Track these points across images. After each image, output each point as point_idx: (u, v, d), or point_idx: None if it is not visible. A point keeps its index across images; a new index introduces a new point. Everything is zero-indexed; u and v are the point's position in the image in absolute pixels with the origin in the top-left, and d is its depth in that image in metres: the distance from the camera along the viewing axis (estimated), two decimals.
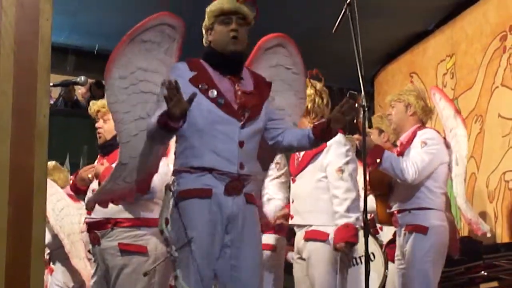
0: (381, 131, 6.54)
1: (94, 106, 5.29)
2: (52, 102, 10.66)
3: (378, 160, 5.24)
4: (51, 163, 6.83)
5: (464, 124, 5.52)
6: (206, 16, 4.08)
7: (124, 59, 4.17)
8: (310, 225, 5.18)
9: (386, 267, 6.33)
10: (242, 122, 3.94)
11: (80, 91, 12.25)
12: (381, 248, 6.25)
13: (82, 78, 5.47)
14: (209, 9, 4.07)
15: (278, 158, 5.76)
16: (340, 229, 5.00)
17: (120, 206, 4.94)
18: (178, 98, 3.62)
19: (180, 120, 3.75)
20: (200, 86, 3.92)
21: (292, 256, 5.60)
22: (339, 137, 5.17)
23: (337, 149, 5.19)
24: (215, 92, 3.93)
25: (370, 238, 6.05)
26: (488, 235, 5.61)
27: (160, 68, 4.13)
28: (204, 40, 4.13)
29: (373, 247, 6.11)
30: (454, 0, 8.70)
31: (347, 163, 5.18)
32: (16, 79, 3.41)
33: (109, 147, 5.19)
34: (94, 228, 5.11)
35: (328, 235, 5.14)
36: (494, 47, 7.96)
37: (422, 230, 5.27)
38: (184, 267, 3.86)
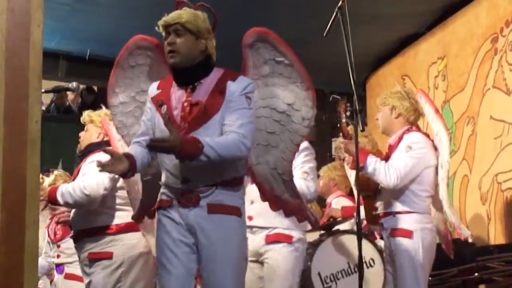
0: None
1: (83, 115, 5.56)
2: (43, 108, 10.65)
3: (361, 165, 5.22)
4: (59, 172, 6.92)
5: (446, 128, 5.47)
6: None
7: (120, 85, 4.40)
8: (273, 228, 5.24)
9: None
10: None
11: (69, 97, 12.27)
12: (381, 254, 6.22)
13: (74, 84, 5.48)
14: None
15: None
16: None
17: (85, 216, 5.16)
18: (112, 163, 3.87)
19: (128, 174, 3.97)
20: (158, 102, 4.06)
21: None
22: (307, 144, 5.45)
23: (306, 155, 5.44)
24: (165, 108, 4.01)
25: (369, 244, 6.04)
26: (470, 240, 5.57)
27: (149, 106, 4.20)
28: None
29: (372, 253, 6.08)
30: (445, 3, 8.70)
31: (311, 169, 5.41)
32: (7, 85, 3.41)
33: (82, 156, 5.41)
34: (75, 241, 5.32)
35: (292, 237, 5.23)
36: (486, 49, 7.97)
37: (406, 233, 5.24)
38: (158, 275, 4.09)
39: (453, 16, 8.71)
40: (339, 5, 4.89)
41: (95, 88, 12.27)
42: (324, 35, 4.97)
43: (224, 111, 3.97)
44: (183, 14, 4.00)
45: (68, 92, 11.42)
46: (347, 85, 4.75)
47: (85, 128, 5.47)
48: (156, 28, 4.05)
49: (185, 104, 3.98)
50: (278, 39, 4.24)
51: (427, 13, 9.00)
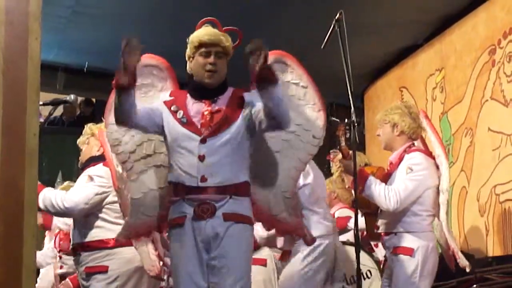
0: None
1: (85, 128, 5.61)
2: (42, 120, 10.64)
3: (360, 187, 5.19)
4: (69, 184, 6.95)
5: (446, 156, 5.45)
6: (188, 45, 4.21)
7: None
8: None
9: None
10: (202, 137, 4.07)
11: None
12: (378, 265, 6.20)
13: (72, 96, 5.49)
14: (190, 39, 4.20)
15: None
16: None
17: (83, 230, 5.18)
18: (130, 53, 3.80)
19: (127, 77, 3.86)
20: (171, 107, 4.18)
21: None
22: None
23: None
24: (181, 113, 4.14)
25: (366, 256, 6.03)
26: (468, 270, 5.53)
27: (160, 106, 4.27)
28: (187, 67, 4.25)
29: (369, 264, 6.07)
30: (443, 14, 8.71)
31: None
32: (5, 98, 3.41)
33: (82, 169, 5.44)
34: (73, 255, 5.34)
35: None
36: (483, 61, 7.97)
37: (407, 251, 5.20)
38: None
39: (451, 27, 8.72)
40: (336, 17, 4.90)
41: (94, 100, 12.29)
42: (322, 47, 4.98)
43: (244, 117, 4.14)
44: (223, 38, 4.16)
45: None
46: (345, 97, 4.76)
47: (87, 141, 5.49)
48: (187, 39, 4.18)
49: (206, 112, 4.11)
50: (296, 61, 4.41)
51: (425, 25, 9.00)
